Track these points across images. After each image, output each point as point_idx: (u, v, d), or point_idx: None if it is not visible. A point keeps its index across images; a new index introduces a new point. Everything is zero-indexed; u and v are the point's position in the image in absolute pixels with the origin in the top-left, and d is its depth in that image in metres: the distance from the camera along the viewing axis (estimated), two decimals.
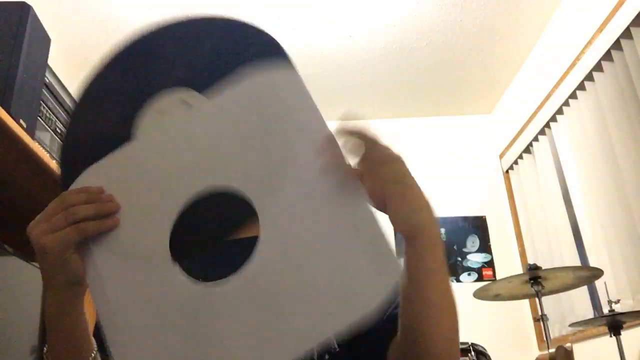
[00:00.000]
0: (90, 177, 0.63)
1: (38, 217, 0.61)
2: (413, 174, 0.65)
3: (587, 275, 2.26)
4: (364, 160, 0.62)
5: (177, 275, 0.58)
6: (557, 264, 2.81)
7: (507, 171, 3.64)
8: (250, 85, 0.62)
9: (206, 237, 0.63)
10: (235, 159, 0.60)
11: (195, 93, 0.63)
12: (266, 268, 0.55)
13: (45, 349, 0.66)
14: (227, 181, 0.59)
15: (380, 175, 0.61)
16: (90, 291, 0.60)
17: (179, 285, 0.57)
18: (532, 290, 2.23)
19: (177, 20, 0.69)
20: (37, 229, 0.60)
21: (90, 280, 0.61)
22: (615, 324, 2.03)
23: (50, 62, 1.45)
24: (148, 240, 0.60)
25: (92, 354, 0.65)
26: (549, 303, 2.60)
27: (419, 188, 0.64)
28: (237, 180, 0.59)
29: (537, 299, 2.26)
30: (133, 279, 0.59)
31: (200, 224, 0.62)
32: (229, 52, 0.67)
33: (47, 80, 1.46)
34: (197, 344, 0.55)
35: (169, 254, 0.59)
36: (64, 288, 0.62)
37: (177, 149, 0.61)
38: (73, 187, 0.63)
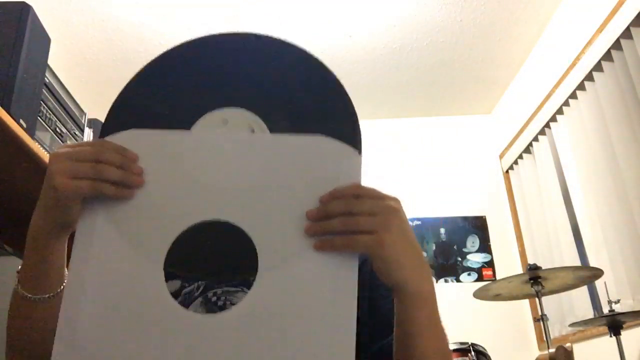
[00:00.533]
0: (132, 140, 0.63)
1: (66, 149, 0.61)
2: (407, 222, 0.62)
3: (587, 275, 2.26)
4: (357, 215, 0.59)
5: (160, 286, 0.57)
6: (557, 264, 2.81)
7: (507, 171, 3.64)
8: (311, 142, 0.61)
9: (201, 261, 0.62)
10: (264, 198, 0.59)
11: (261, 122, 0.62)
12: (248, 318, 0.56)
13: (19, 267, 0.67)
14: (241, 218, 0.59)
15: (362, 228, 0.58)
16: (73, 247, 0.60)
17: (157, 296, 0.56)
18: (532, 290, 2.23)
19: (254, 35, 0.68)
20: (60, 164, 0.60)
21: (78, 237, 0.60)
22: (615, 324, 2.03)
23: (50, 62, 1.45)
24: (153, 235, 0.59)
25: (60, 288, 0.66)
26: (549, 303, 2.60)
27: (408, 242, 0.61)
28: (249, 220, 0.59)
29: (537, 299, 2.26)
30: (119, 262, 0.58)
31: (198, 248, 0.61)
32: (299, 84, 0.66)
33: (47, 80, 1.46)
34: (147, 351, 0.54)
35: (162, 261, 0.58)
36: (52, 224, 0.62)
37: (216, 165, 0.61)
38: (113, 140, 0.63)
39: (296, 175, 0.60)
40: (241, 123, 0.62)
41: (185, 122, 0.64)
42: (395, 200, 0.61)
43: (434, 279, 0.66)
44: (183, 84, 0.67)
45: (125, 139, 0.63)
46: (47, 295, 0.65)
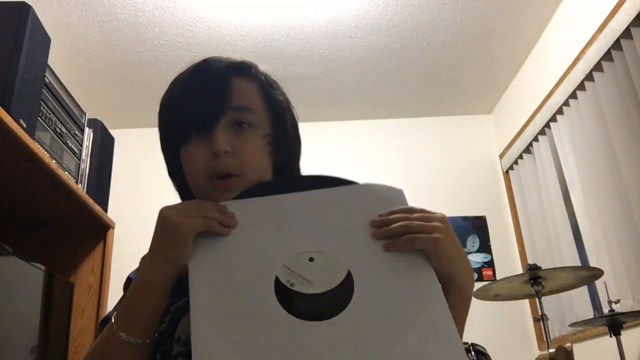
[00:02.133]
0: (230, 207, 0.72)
1: (175, 206, 0.70)
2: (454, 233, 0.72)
3: (587, 275, 2.26)
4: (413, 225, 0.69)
5: (277, 307, 0.63)
6: (557, 264, 2.81)
7: (507, 171, 3.64)
8: (364, 187, 0.75)
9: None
10: (340, 232, 0.70)
11: (325, 256, 0.69)
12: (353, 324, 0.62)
13: (114, 314, 0.70)
14: (329, 247, 0.68)
15: (421, 230, 0.68)
16: (190, 278, 0.65)
17: (276, 311, 0.62)
18: (532, 290, 2.23)
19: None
20: (172, 211, 0.68)
21: (192, 269, 0.66)
22: (615, 324, 2.03)
23: (50, 62, 1.45)
24: (259, 266, 0.66)
25: (155, 334, 0.70)
26: (549, 303, 2.60)
27: (457, 243, 0.71)
28: (335, 247, 0.68)
29: (537, 299, 2.26)
30: (235, 294, 0.64)
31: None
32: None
33: (47, 80, 1.46)
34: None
35: (273, 289, 0.64)
36: (168, 266, 0.67)
37: (298, 212, 0.72)
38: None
39: (360, 210, 0.71)
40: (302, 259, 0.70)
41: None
42: (443, 215, 0.71)
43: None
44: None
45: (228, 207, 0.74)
46: (147, 341, 0.68)
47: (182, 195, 0.89)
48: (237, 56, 0.88)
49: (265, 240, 0.68)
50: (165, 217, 0.68)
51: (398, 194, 0.75)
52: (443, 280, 0.68)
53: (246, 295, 0.63)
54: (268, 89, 0.85)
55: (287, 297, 0.62)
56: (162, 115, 0.87)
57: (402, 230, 0.67)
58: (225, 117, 0.78)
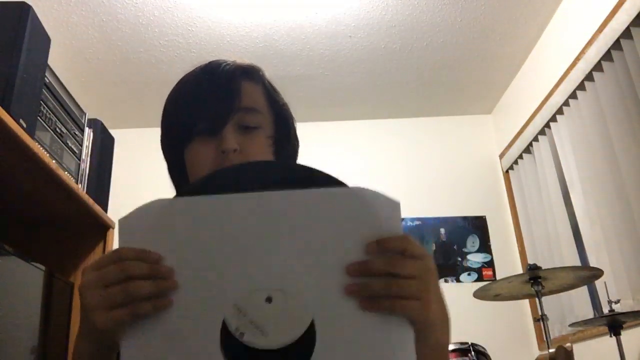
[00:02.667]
0: (152, 216, 0.57)
1: (92, 274, 0.58)
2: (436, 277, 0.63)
3: (587, 275, 2.26)
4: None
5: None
6: (557, 264, 2.81)
7: (507, 171, 3.64)
8: (350, 192, 0.58)
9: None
10: (310, 257, 0.56)
11: (283, 293, 0.56)
12: None
13: None
14: (285, 282, 0.55)
15: (406, 294, 0.58)
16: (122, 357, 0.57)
17: None
18: (532, 290, 2.23)
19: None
20: (92, 297, 0.57)
21: (124, 347, 0.56)
22: (615, 324, 2.03)
23: (50, 62, 1.45)
24: (199, 330, 0.55)
25: None
26: (549, 303, 2.60)
27: (440, 301, 0.63)
28: (296, 282, 0.55)
29: (537, 299, 2.26)
30: (171, 350, 0.55)
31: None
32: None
33: (47, 80, 1.46)
34: None
35: (218, 342, 0.54)
36: (98, 348, 0.62)
37: (255, 229, 0.57)
38: (139, 215, 0.58)
39: (341, 228, 0.57)
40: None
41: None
42: (430, 257, 0.62)
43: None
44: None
45: (152, 211, 0.58)
46: None
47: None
48: (238, 57, 0.90)
49: (212, 267, 0.56)
50: (86, 309, 0.58)
51: (393, 208, 0.58)
52: (419, 335, 0.61)
53: (189, 350, 0.54)
54: (272, 93, 0.88)
55: (236, 348, 0.54)
56: (168, 114, 0.87)
57: (385, 292, 0.57)
58: (234, 118, 0.81)
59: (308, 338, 0.54)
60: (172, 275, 0.57)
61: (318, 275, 0.55)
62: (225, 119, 0.80)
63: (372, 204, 0.58)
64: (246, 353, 0.53)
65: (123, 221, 0.58)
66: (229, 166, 0.75)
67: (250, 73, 0.86)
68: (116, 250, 0.59)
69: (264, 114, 0.85)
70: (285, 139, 0.88)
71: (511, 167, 3.57)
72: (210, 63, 0.87)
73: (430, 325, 0.60)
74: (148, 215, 0.58)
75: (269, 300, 0.54)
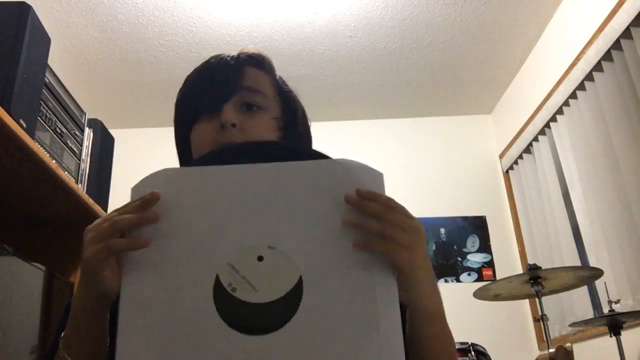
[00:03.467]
0: (161, 181, 0.63)
1: (94, 223, 0.64)
2: (425, 251, 0.64)
3: (587, 275, 2.26)
4: (385, 223, 0.61)
5: (211, 312, 0.57)
6: (557, 264, 2.81)
7: (507, 171, 3.64)
8: (335, 164, 0.64)
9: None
10: (299, 220, 0.60)
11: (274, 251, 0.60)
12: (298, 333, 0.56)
13: (62, 334, 0.68)
14: (280, 241, 0.59)
15: (398, 240, 0.60)
16: (120, 307, 0.59)
17: (212, 322, 0.57)
18: (532, 290, 2.23)
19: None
20: (90, 234, 0.62)
21: (122, 297, 0.59)
22: (615, 324, 2.03)
23: (50, 62, 1.45)
24: (194, 283, 0.58)
25: (102, 355, 0.67)
26: (549, 303, 2.60)
27: (428, 264, 0.64)
28: (286, 242, 0.59)
29: (537, 299, 2.26)
30: (165, 303, 0.58)
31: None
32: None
33: (47, 80, 1.46)
34: None
35: (211, 290, 0.58)
36: (91, 296, 0.63)
37: (248, 194, 0.61)
38: (142, 187, 0.63)
39: (327, 193, 0.61)
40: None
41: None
42: (420, 223, 0.63)
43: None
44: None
45: (153, 180, 0.64)
46: None
47: None
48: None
49: (209, 227, 0.60)
50: (84, 242, 0.63)
51: (377, 177, 0.64)
52: (409, 304, 0.63)
53: (182, 302, 0.57)
54: (280, 82, 0.90)
55: (228, 302, 0.57)
56: (178, 101, 0.90)
57: (378, 230, 0.59)
58: (236, 97, 0.82)
59: (296, 292, 0.57)
60: (156, 218, 0.61)
61: (306, 235, 0.59)
62: (226, 97, 0.81)
63: (356, 173, 0.62)
64: (238, 307, 0.57)
65: (134, 188, 0.64)
66: (225, 145, 0.78)
67: (256, 59, 0.88)
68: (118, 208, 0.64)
69: (269, 97, 0.86)
70: (293, 125, 0.88)
71: (511, 167, 3.57)
72: (216, 55, 0.89)
73: (414, 277, 0.60)
74: (155, 181, 0.63)
75: (260, 258, 0.58)
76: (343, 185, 0.61)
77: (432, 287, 0.64)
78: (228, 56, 0.87)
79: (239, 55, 0.87)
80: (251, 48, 0.91)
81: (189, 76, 0.90)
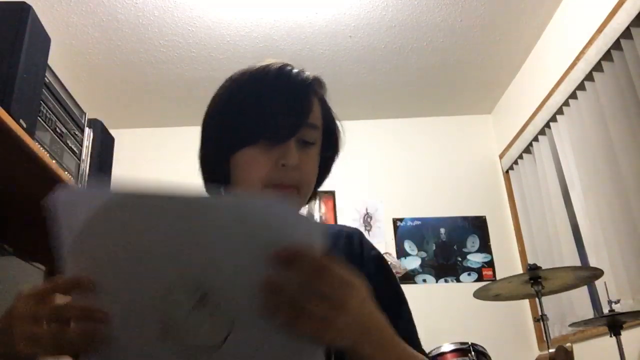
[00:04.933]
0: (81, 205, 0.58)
1: (25, 303, 0.57)
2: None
3: (587, 275, 2.26)
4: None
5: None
6: (557, 264, 2.81)
7: (507, 171, 3.64)
8: (270, 204, 0.57)
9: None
10: (226, 262, 0.55)
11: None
12: None
13: None
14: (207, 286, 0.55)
15: (323, 317, 0.55)
16: None
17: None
18: (532, 290, 2.23)
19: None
20: (21, 329, 0.56)
21: None
22: (615, 324, 2.03)
23: (50, 62, 1.45)
24: (129, 329, 0.56)
25: None
26: (549, 303, 2.60)
27: (367, 320, 0.59)
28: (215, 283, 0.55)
29: (537, 299, 2.26)
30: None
31: None
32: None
33: (47, 80, 1.46)
34: None
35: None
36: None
37: (171, 230, 0.55)
38: (71, 208, 0.58)
39: (259, 234, 0.55)
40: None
41: None
42: (354, 276, 0.57)
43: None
44: None
45: (94, 202, 0.58)
46: None
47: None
48: (300, 65, 0.87)
49: (143, 266, 0.55)
50: (14, 332, 0.56)
51: (313, 226, 0.58)
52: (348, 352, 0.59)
53: (121, 346, 0.55)
54: (328, 108, 0.86)
55: (162, 345, 0.55)
56: (224, 112, 0.81)
57: (299, 306, 0.53)
58: (299, 133, 0.78)
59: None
60: (105, 318, 0.54)
61: (237, 280, 0.55)
62: (293, 132, 0.76)
63: (288, 218, 0.56)
64: (172, 350, 0.55)
65: (65, 197, 0.59)
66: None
67: (320, 85, 0.85)
68: (52, 281, 0.57)
69: (320, 129, 0.83)
70: (331, 158, 0.88)
71: (511, 167, 3.57)
72: (282, 68, 0.81)
73: (354, 349, 0.57)
74: (88, 204, 0.57)
75: (194, 302, 0.54)
76: (277, 232, 0.54)
77: (379, 341, 0.60)
78: (297, 75, 0.80)
79: (307, 77, 0.81)
80: (309, 72, 0.84)
81: (245, 80, 0.80)
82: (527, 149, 3.33)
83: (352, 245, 0.88)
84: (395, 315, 0.79)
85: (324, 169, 0.86)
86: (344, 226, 0.94)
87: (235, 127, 0.78)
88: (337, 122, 0.88)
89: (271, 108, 0.76)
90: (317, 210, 3.53)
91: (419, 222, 3.56)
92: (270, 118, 0.76)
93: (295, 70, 0.81)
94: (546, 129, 3.11)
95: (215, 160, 0.81)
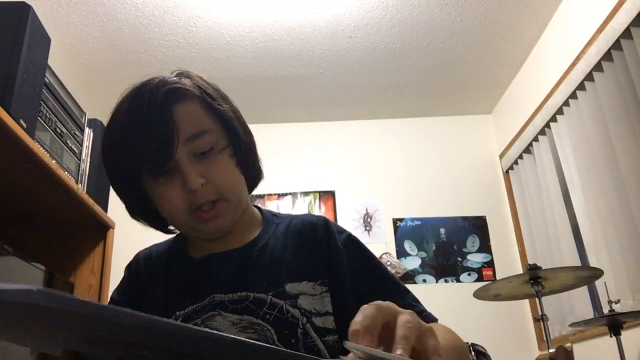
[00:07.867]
0: None
1: None
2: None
3: (587, 275, 2.26)
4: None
5: None
6: (557, 264, 2.81)
7: (507, 171, 3.64)
8: None
9: None
10: None
11: None
12: None
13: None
14: None
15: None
16: None
17: None
18: (532, 290, 2.23)
19: None
20: None
21: None
22: (615, 324, 2.03)
23: (50, 62, 1.45)
24: None
25: None
26: (549, 303, 2.60)
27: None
28: None
29: (537, 299, 2.25)
30: None
31: None
32: None
33: (47, 80, 1.46)
34: None
35: None
36: None
37: None
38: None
39: None
40: None
41: None
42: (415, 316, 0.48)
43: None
44: None
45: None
46: None
47: (157, 226, 0.86)
48: (171, 68, 0.86)
49: None
50: None
51: None
52: None
53: None
54: (209, 102, 0.80)
55: None
56: (108, 153, 0.81)
57: None
58: (183, 150, 0.75)
59: None
60: None
61: None
62: (168, 157, 0.74)
63: None
64: None
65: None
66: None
67: (180, 94, 0.78)
68: None
69: (212, 130, 0.78)
70: (238, 144, 0.82)
71: (511, 167, 3.57)
72: (138, 91, 0.81)
73: None
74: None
75: None
76: None
77: None
78: (150, 99, 0.77)
79: (162, 98, 0.77)
80: (171, 75, 0.82)
81: (114, 125, 0.81)
82: (527, 149, 3.33)
83: (316, 235, 0.84)
84: (385, 290, 0.80)
85: (247, 159, 0.83)
86: (307, 215, 0.91)
87: (124, 168, 0.78)
88: (227, 108, 0.82)
89: (139, 145, 0.75)
90: (317, 210, 3.53)
91: (419, 222, 3.56)
92: (144, 155, 0.75)
93: (148, 91, 0.79)
94: (546, 129, 3.11)
95: (125, 196, 0.82)
